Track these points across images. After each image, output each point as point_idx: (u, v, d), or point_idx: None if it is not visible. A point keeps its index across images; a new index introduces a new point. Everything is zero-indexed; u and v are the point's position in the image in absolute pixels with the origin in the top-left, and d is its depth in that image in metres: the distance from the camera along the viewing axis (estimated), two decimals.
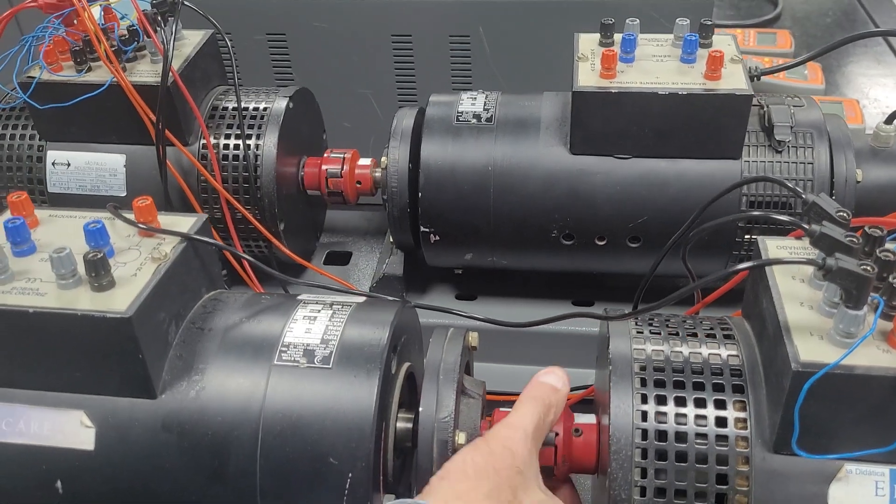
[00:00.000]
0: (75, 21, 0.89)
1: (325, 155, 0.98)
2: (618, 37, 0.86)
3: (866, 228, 0.52)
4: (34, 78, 0.86)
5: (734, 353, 0.57)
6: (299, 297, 0.65)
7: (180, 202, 0.90)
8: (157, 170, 0.87)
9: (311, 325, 0.61)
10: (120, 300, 0.55)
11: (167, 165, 0.87)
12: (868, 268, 0.47)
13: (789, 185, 0.55)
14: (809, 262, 0.48)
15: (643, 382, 0.56)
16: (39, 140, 0.92)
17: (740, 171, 0.83)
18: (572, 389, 0.85)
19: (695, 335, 0.59)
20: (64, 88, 0.86)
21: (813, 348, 0.49)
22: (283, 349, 0.59)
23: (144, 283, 0.57)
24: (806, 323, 0.50)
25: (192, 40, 0.93)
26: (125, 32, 0.88)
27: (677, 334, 0.59)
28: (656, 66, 0.83)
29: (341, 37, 1.15)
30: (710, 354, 0.57)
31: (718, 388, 0.55)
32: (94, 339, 0.55)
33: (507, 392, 0.89)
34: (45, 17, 0.90)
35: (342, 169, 0.96)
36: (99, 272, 0.55)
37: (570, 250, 0.89)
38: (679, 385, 0.55)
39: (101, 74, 0.86)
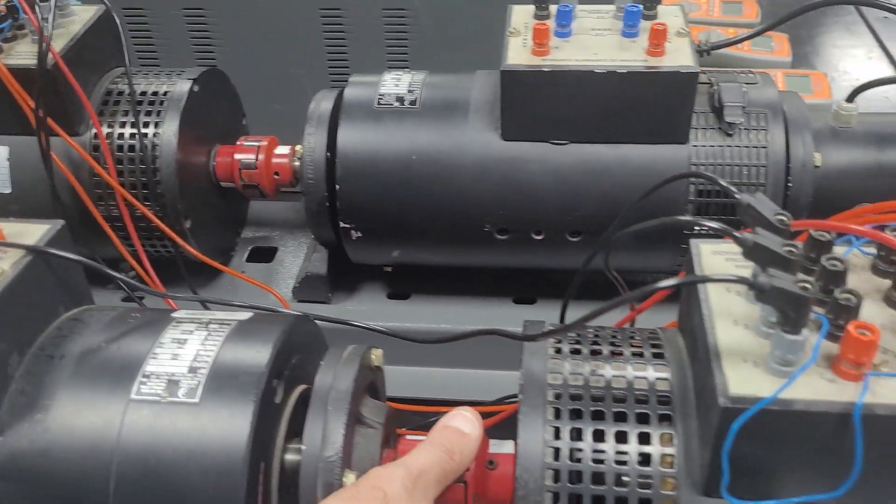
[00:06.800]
0: None
1: (239, 143, 0.89)
2: (553, 8, 0.78)
3: (812, 232, 0.45)
4: None
5: (663, 375, 0.49)
6: (173, 315, 0.56)
7: (72, 200, 0.81)
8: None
9: (179, 349, 0.52)
10: None
11: (53, 158, 0.78)
12: (807, 285, 0.39)
13: (723, 182, 0.47)
14: (741, 280, 0.40)
15: (557, 413, 0.48)
16: None
17: (688, 155, 0.75)
18: (504, 399, 0.79)
19: (620, 353, 0.51)
20: None
21: (746, 378, 0.41)
22: (144, 380, 0.50)
23: None
24: (740, 347, 0.43)
25: (82, 17, 0.83)
26: (2, 8, 0.78)
27: (600, 352, 0.51)
28: (595, 41, 0.74)
29: (266, 11, 1.05)
30: (635, 378, 0.49)
31: (643, 418, 0.47)
32: None
33: (432, 400, 0.82)
34: None
35: (257, 159, 0.87)
36: None
37: (506, 246, 0.80)
38: (598, 416, 0.47)
39: None
